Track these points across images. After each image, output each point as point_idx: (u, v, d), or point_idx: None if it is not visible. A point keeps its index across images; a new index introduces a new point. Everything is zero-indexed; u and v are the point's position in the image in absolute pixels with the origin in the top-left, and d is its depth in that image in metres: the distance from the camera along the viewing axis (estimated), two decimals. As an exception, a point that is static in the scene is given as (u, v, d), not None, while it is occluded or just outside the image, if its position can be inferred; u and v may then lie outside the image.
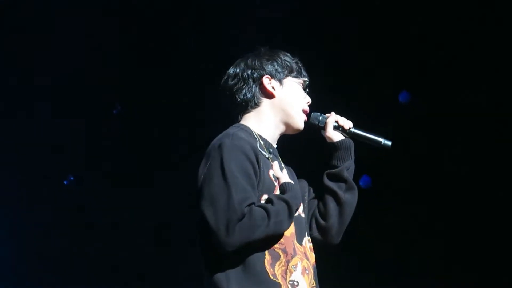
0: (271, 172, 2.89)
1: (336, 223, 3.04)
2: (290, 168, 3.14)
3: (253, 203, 2.74)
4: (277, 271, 2.79)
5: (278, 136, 3.09)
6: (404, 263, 5.56)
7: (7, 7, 5.73)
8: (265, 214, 2.72)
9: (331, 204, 3.04)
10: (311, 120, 3.11)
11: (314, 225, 3.08)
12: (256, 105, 3.04)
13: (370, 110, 5.49)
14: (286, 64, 3.08)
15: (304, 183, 3.16)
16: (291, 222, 2.82)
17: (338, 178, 3.06)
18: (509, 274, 5.30)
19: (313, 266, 2.98)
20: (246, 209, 2.71)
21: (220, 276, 2.79)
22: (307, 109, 3.10)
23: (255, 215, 2.70)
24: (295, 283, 2.83)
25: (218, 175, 2.74)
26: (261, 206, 2.76)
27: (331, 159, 3.11)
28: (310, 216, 3.10)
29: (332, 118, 3.09)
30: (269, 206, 2.75)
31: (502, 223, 5.31)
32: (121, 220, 6.07)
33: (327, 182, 3.09)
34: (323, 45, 5.63)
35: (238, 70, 3.07)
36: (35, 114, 5.89)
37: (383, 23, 5.52)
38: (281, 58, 3.09)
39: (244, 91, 3.03)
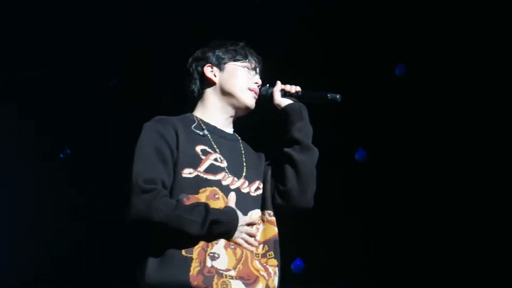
0: (198, 148, 2.98)
1: (295, 185, 3.08)
2: (253, 151, 3.24)
3: (161, 180, 2.88)
4: (198, 243, 2.88)
5: (231, 120, 3.19)
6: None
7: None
8: (173, 205, 2.85)
9: (287, 167, 3.08)
10: (260, 95, 3.16)
11: (276, 194, 3.13)
12: (201, 95, 3.17)
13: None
14: (229, 50, 3.18)
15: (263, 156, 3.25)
16: (202, 231, 2.86)
17: (290, 141, 3.10)
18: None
19: (266, 240, 3.07)
20: (150, 187, 2.83)
21: (141, 258, 2.94)
22: (255, 87, 3.16)
23: (162, 200, 2.84)
24: (216, 255, 2.89)
25: (134, 152, 2.92)
26: (177, 200, 2.89)
27: (285, 125, 3.15)
28: (273, 188, 3.15)
29: (278, 87, 3.15)
30: (185, 204, 2.88)
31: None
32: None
33: (283, 148, 3.15)
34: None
35: (187, 66, 3.22)
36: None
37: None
38: (224, 46, 3.20)
39: (191, 85, 3.18)
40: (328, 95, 3.04)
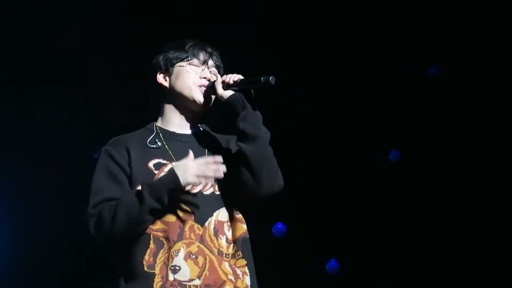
0: (151, 163, 3.00)
1: (248, 176, 2.99)
2: (223, 142, 3.18)
3: (111, 198, 2.94)
4: (160, 258, 2.91)
5: (189, 119, 3.14)
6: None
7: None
8: (114, 207, 2.89)
9: (239, 160, 3.01)
10: (206, 91, 3.11)
11: (238, 190, 3.07)
12: (160, 101, 3.17)
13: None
14: (176, 51, 3.15)
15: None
16: (148, 200, 2.88)
17: (237, 133, 3.04)
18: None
19: (235, 239, 3.03)
20: (96, 209, 2.94)
21: (114, 276, 3.02)
22: (203, 82, 3.11)
23: (104, 211, 2.91)
24: (177, 267, 2.90)
25: (90, 183, 3.03)
26: (116, 200, 2.94)
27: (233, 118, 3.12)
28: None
29: (218, 80, 3.08)
30: (119, 200, 2.92)
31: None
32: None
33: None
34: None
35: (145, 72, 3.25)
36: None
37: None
38: (173, 48, 3.17)
39: (151, 95, 3.18)
40: (262, 78, 2.99)
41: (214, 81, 3.08)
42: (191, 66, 3.12)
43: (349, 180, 5.86)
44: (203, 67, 3.14)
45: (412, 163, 5.74)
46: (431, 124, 5.62)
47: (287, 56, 5.63)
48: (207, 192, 3.03)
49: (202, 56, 3.14)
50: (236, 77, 3.05)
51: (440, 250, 5.65)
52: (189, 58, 3.13)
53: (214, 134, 3.20)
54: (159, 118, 3.16)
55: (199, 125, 3.19)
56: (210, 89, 3.09)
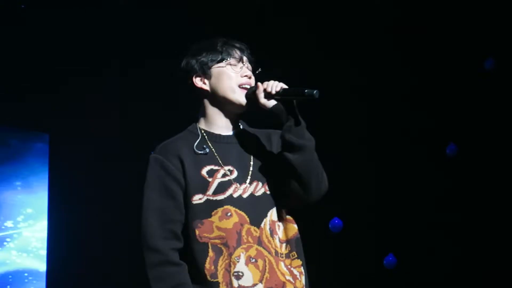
0: (204, 170, 2.99)
1: (296, 184, 2.99)
2: (262, 139, 3.16)
3: (168, 220, 2.95)
4: (221, 265, 2.91)
5: (232, 119, 3.12)
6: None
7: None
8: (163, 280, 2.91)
9: (287, 170, 2.99)
10: (246, 96, 3.07)
11: (286, 195, 3.07)
12: (200, 103, 3.12)
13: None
14: (209, 53, 3.10)
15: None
16: None
17: (283, 143, 3.01)
18: None
19: (288, 240, 3.03)
20: (158, 255, 2.93)
21: None
22: (244, 81, 3.08)
23: (163, 270, 2.92)
24: (240, 273, 2.90)
25: (143, 195, 3.01)
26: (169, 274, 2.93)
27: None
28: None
29: (260, 89, 3.03)
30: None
31: None
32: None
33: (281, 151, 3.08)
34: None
35: (178, 75, 3.18)
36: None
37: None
38: (204, 50, 3.12)
39: (191, 95, 3.13)
40: (306, 90, 2.95)
41: (255, 89, 3.04)
42: (229, 66, 3.09)
43: (406, 174, 5.85)
44: (240, 64, 3.10)
45: (470, 157, 5.70)
46: (489, 118, 5.57)
47: (340, 46, 5.65)
48: (259, 193, 3.03)
49: (236, 53, 3.11)
50: (278, 86, 3.00)
51: (499, 247, 5.60)
52: (225, 59, 3.10)
53: (252, 130, 3.18)
54: (201, 120, 3.13)
55: (239, 123, 3.17)
56: (251, 95, 3.05)
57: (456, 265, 5.69)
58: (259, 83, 3.04)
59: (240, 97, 3.06)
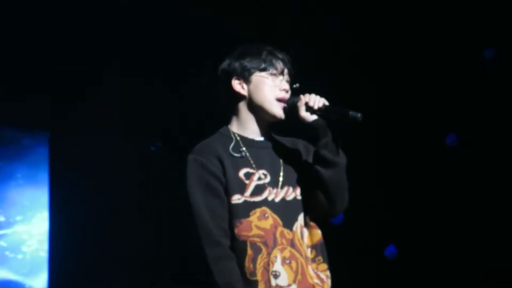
0: (241, 172, 3.05)
1: (323, 199, 3.08)
2: (292, 146, 3.22)
3: (223, 230, 3.00)
4: (259, 264, 2.98)
5: (265, 126, 3.17)
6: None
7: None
8: (226, 274, 2.96)
9: (316, 182, 3.08)
10: (287, 107, 3.12)
11: (311, 204, 3.15)
12: (234, 106, 3.16)
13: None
14: (254, 59, 3.14)
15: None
16: None
17: (317, 157, 3.08)
18: None
19: (313, 245, 3.11)
20: (219, 248, 2.97)
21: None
22: (282, 96, 3.13)
23: (225, 264, 2.97)
24: (277, 273, 2.97)
25: (187, 197, 3.04)
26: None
27: (314, 141, 3.15)
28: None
29: (302, 101, 3.08)
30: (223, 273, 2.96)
31: None
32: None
33: (313, 164, 3.14)
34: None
35: (218, 74, 3.21)
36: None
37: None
38: (249, 54, 3.15)
39: (223, 95, 3.17)
40: (350, 112, 3.00)
41: (297, 102, 3.08)
42: (271, 77, 3.14)
43: (407, 164, 5.87)
44: (281, 77, 3.15)
45: (470, 148, 5.71)
46: (490, 107, 5.58)
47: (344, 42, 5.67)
48: (289, 197, 3.10)
49: (279, 65, 3.15)
50: (321, 102, 3.06)
51: (501, 237, 5.62)
52: (268, 69, 3.14)
53: (280, 137, 3.24)
54: (234, 123, 3.17)
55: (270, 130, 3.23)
56: (291, 107, 3.10)
57: (458, 256, 5.70)
58: (301, 96, 3.09)
59: (276, 110, 3.12)
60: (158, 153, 6.11)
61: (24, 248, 5.88)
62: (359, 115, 2.99)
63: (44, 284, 5.86)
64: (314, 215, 3.15)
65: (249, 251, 2.99)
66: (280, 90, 3.13)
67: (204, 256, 2.96)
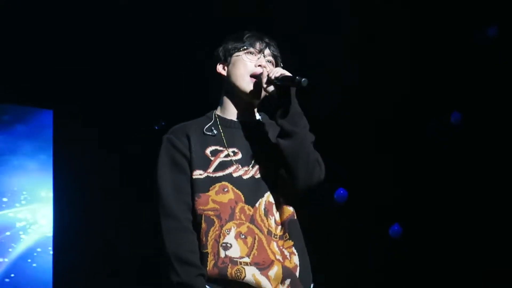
0: (209, 149, 3.12)
1: (283, 171, 3.07)
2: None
3: (178, 190, 3.07)
4: (211, 236, 3.03)
5: (245, 107, 3.22)
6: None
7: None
8: (177, 245, 3.00)
9: (279, 155, 3.08)
10: (255, 82, 3.15)
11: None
12: (220, 90, 3.25)
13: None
14: (235, 42, 3.22)
15: None
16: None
17: (279, 130, 3.11)
18: None
19: (282, 222, 3.11)
20: (175, 221, 3.03)
21: None
22: (257, 70, 3.16)
23: (179, 236, 3.01)
24: (228, 245, 3.01)
25: (156, 171, 3.14)
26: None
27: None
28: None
29: (264, 74, 3.11)
30: (185, 254, 3.00)
31: None
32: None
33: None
34: None
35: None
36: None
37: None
38: (231, 39, 3.24)
39: (213, 80, 3.26)
40: (296, 77, 3.01)
41: (261, 74, 3.12)
42: (247, 55, 3.18)
43: (411, 143, 5.88)
44: (259, 55, 3.19)
45: (475, 126, 5.72)
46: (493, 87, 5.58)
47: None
48: (259, 175, 3.12)
49: (258, 45, 3.20)
50: (278, 72, 3.06)
51: (506, 217, 5.63)
52: (245, 48, 3.19)
53: (272, 122, 3.23)
54: (218, 107, 3.25)
55: (258, 113, 3.26)
56: (259, 81, 3.13)
57: (461, 234, 5.72)
58: (264, 69, 3.11)
59: (247, 85, 3.15)
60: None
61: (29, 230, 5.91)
62: (303, 80, 2.98)
63: (49, 265, 5.87)
64: (282, 191, 3.13)
65: (203, 224, 3.04)
66: (256, 66, 3.17)
67: (159, 228, 3.03)
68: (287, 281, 3.05)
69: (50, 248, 5.87)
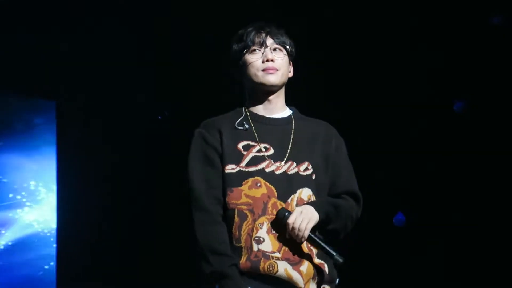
0: (241, 144, 3.18)
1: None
2: (312, 128, 3.28)
3: (210, 187, 3.13)
4: (244, 230, 3.08)
5: (272, 102, 3.28)
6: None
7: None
8: (210, 237, 3.07)
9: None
10: (278, 214, 3.11)
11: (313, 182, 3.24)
12: (244, 89, 3.33)
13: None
14: (236, 46, 3.28)
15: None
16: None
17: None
18: None
19: None
20: (206, 213, 3.09)
21: None
22: (266, 66, 3.22)
23: (210, 228, 3.07)
24: (261, 239, 3.06)
25: (186, 167, 3.20)
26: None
27: None
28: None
29: (288, 227, 3.08)
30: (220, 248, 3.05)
31: None
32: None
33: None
34: None
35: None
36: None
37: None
38: (234, 42, 3.30)
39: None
40: (334, 255, 3.04)
41: (285, 221, 3.07)
42: (251, 55, 3.24)
43: (415, 131, 5.88)
44: (262, 49, 3.24)
45: (479, 114, 5.72)
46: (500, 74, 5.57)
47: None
48: (292, 172, 3.16)
49: (257, 39, 3.25)
50: (306, 232, 3.06)
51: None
52: (247, 47, 3.25)
53: (303, 117, 3.33)
54: (248, 102, 3.31)
55: (288, 108, 3.32)
56: (281, 216, 3.08)
57: (466, 222, 5.72)
58: (288, 221, 3.06)
59: (263, 79, 3.22)
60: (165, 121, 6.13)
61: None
62: (342, 260, 3.04)
63: (53, 256, 5.85)
64: (313, 189, 3.18)
65: (236, 219, 3.08)
66: (263, 62, 3.23)
67: (192, 221, 3.09)
68: (318, 278, 3.13)
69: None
